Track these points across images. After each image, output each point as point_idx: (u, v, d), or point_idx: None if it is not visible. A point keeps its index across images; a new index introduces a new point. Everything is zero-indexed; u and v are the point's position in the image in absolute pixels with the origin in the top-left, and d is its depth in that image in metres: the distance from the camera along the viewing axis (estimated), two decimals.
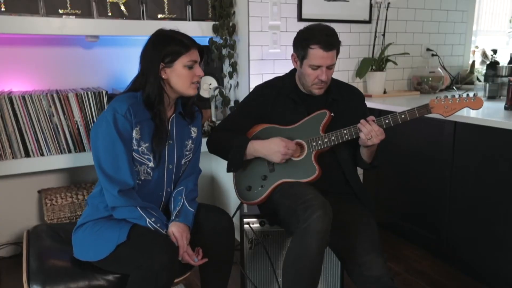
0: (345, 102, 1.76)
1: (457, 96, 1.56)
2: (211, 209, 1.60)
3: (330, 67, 1.64)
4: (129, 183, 1.42)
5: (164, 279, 1.31)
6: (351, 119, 1.64)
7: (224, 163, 1.74)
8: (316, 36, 1.60)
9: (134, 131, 1.43)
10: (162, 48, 1.44)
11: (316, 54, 1.61)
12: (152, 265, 1.29)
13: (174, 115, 1.56)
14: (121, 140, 1.40)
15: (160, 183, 1.56)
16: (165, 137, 1.50)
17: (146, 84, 1.45)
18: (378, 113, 2.50)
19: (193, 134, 1.64)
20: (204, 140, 1.78)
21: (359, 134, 1.58)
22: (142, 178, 1.50)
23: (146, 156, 1.48)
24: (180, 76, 1.46)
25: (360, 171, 2.68)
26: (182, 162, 1.61)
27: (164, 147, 1.51)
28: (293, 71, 1.81)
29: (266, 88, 1.80)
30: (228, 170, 1.73)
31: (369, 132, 1.55)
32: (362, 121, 1.58)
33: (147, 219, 1.43)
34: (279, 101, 1.75)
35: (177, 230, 1.46)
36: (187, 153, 1.62)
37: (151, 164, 1.49)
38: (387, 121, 1.58)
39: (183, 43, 1.46)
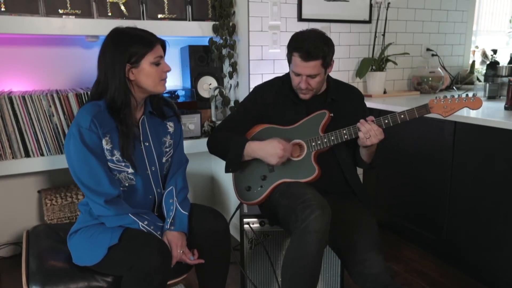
0: (344, 102, 1.76)
1: (456, 96, 1.56)
2: (207, 212, 1.59)
3: (312, 76, 1.62)
4: (112, 193, 1.40)
5: (156, 281, 1.30)
6: (350, 119, 1.64)
7: (223, 163, 1.74)
8: (298, 44, 1.59)
9: (104, 141, 1.40)
10: (126, 48, 1.38)
11: (295, 62, 1.62)
12: (144, 266, 1.29)
13: (144, 116, 1.52)
14: (92, 154, 1.37)
15: (148, 187, 1.54)
16: (133, 142, 1.45)
17: (109, 88, 1.40)
18: (378, 113, 2.50)
19: (170, 129, 1.61)
20: (203, 140, 1.78)
21: (358, 134, 1.59)
22: (127, 185, 1.48)
23: (123, 164, 1.45)
24: (148, 75, 1.41)
25: (360, 171, 2.68)
26: (164, 160, 1.58)
27: (134, 151, 1.46)
28: None
29: (266, 88, 1.80)
30: (227, 171, 1.73)
31: (368, 131, 1.55)
32: (361, 120, 1.58)
33: (140, 223, 1.43)
34: (278, 101, 1.75)
35: (172, 240, 1.45)
36: (167, 149, 1.59)
37: (130, 170, 1.46)
38: (386, 121, 1.58)
39: (146, 40, 1.41)
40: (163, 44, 1.48)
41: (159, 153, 1.56)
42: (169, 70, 1.47)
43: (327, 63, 1.63)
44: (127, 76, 1.40)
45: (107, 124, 1.40)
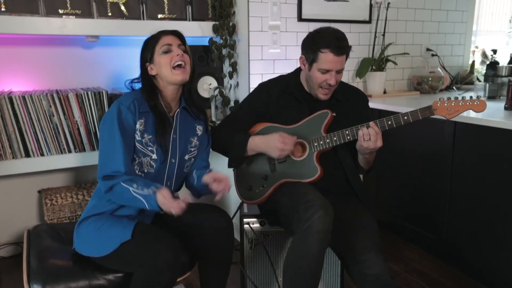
0: (348, 103, 1.76)
1: (460, 98, 1.55)
2: (210, 209, 1.61)
3: (339, 72, 1.64)
4: (120, 170, 1.42)
5: (167, 278, 1.32)
6: (354, 120, 1.63)
7: (224, 162, 1.74)
8: (326, 40, 1.59)
9: (138, 123, 1.48)
10: (143, 51, 1.55)
11: (327, 58, 1.59)
12: (156, 263, 1.30)
13: (178, 110, 1.60)
14: (119, 130, 1.44)
15: (161, 176, 1.56)
16: (168, 128, 1.54)
17: (142, 85, 1.57)
18: (378, 113, 2.50)
19: (199, 132, 1.66)
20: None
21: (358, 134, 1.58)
22: (145, 171, 1.52)
23: (149, 148, 1.50)
24: (161, 64, 1.51)
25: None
26: (186, 158, 1.62)
27: (169, 138, 1.54)
28: (298, 70, 1.81)
29: (271, 86, 1.80)
30: (230, 166, 1.74)
31: (368, 134, 1.55)
32: (365, 124, 1.57)
33: (130, 188, 1.39)
34: (282, 99, 1.75)
35: (159, 198, 1.38)
36: (192, 149, 1.63)
37: (154, 156, 1.51)
38: (389, 122, 1.57)
39: (153, 36, 1.54)
40: (176, 34, 1.55)
41: (183, 149, 1.60)
42: (179, 54, 1.51)
43: (348, 57, 1.66)
44: (150, 74, 1.54)
45: (146, 107, 1.51)
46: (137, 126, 1.48)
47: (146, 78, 1.55)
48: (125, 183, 1.41)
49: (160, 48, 1.51)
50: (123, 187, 1.40)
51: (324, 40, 1.60)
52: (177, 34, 1.56)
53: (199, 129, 1.66)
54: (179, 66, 1.51)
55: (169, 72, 1.50)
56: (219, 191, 1.50)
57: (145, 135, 1.49)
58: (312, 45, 1.62)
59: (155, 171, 1.53)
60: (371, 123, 1.57)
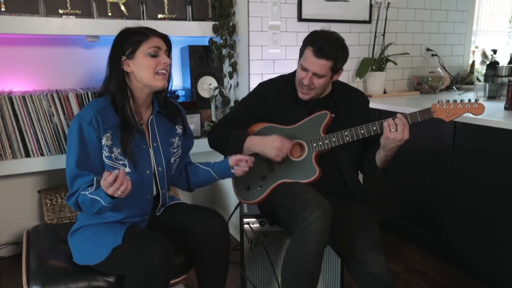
0: (348, 105, 1.75)
1: (459, 101, 1.56)
2: (205, 212, 1.58)
3: (318, 76, 1.62)
4: (84, 181, 1.37)
5: (160, 279, 1.30)
6: (353, 122, 1.63)
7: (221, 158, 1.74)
8: (314, 39, 1.61)
9: (104, 138, 1.40)
10: (123, 42, 1.42)
11: (307, 56, 1.62)
12: (148, 265, 1.29)
13: (152, 116, 1.53)
14: (78, 146, 1.37)
15: (149, 187, 1.52)
16: (133, 136, 1.43)
17: (110, 83, 1.43)
18: (378, 113, 2.50)
19: (179, 131, 1.62)
20: (203, 140, 1.78)
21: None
22: None
23: (121, 162, 1.43)
24: (142, 65, 1.41)
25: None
26: (172, 161, 1.59)
27: (136, 147, 1.45)
28: None
29: (269, 86, 1.80)
30: None
31: (394, 124, 1.50)
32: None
33: (86, 192, 1.33)
34: (280, 100, 1.75)
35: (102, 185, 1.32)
36: (175, 150, 1.60)
37: (127, 170, 1.44)
38: None
39: (141, 32, 1.43)
40: (164, 38, 1.48)
41: (167, 154, 1.56)
42: (167, 63, 1.45)
43: (336, 68, 1.63)
44: (123, 68, 1.42)
45: (110, 120, 1.41)
46: (103, 141, 1.39)
47: (118, 74, 1.42)
48: (83, 190, 1.35)
49: (149, 49, 1.41)
50: (82, 194, 1.35)
51: (312, 39, 1.62)
52: (167, 40, 1.48)
53: (179, 128, 1.62)
54: (161, 73, 1.44)
55: (150, 76, 1.42)
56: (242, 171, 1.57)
57: (114, 149, 1.41)
58: (305, 41, 1.65)
59: (133, 183, 1.41)
60: (398, 115, 1.52)
